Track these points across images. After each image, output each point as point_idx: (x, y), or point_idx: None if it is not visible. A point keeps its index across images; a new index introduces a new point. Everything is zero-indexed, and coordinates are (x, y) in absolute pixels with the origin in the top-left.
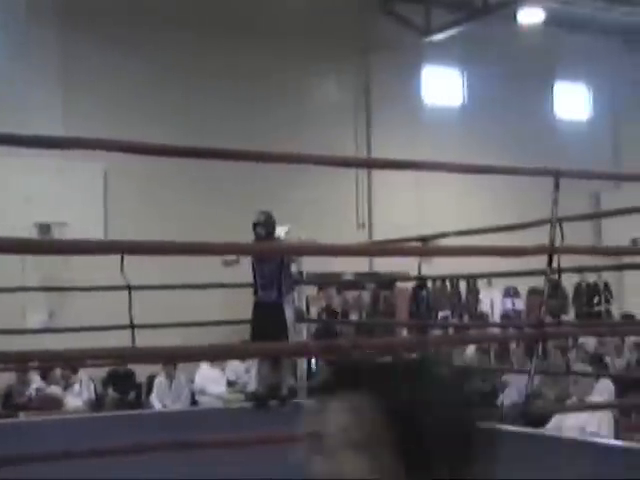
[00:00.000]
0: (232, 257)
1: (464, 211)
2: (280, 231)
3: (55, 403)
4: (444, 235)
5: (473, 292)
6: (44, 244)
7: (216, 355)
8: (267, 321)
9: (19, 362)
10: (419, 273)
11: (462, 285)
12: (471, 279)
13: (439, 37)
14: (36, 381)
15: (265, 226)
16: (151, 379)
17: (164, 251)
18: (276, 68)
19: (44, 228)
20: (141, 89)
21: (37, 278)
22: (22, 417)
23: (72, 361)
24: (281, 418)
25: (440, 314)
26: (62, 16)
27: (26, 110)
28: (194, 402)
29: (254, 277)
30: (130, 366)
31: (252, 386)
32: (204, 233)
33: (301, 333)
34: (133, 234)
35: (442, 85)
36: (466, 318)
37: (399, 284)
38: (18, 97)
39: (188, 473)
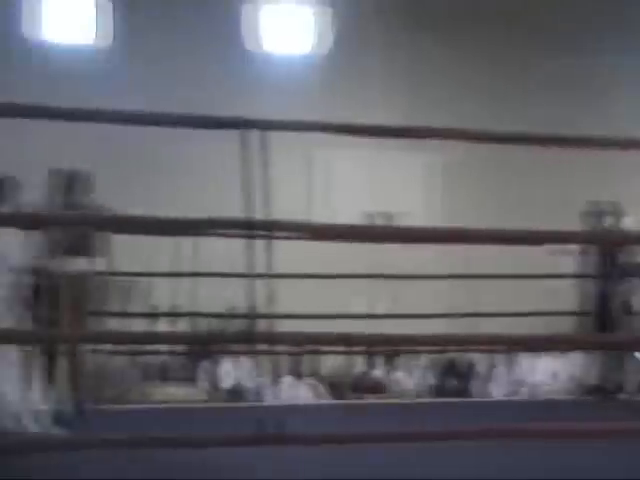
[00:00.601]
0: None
1: None
2: (627, 221)
3: (379, 388)
4: None
5: None
6: (390, 231)
7: (560, 345)
8: (602, 311)
9: (346, 344)
10: None
11: None
12: None
13: None
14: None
15: (599, 214)
16: (490, 368)
17: (502, 240)
18: None
19: (386, 217)
20: (477, 82)
21: (362, 266)
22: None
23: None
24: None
25: None
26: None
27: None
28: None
29: (599, 267)
30: (469, 355)
31: (587, 379)
32: (542, 222)
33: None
34: (471, 225)
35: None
36: None
37: None
38: (361, 90)
39: (535, 463)
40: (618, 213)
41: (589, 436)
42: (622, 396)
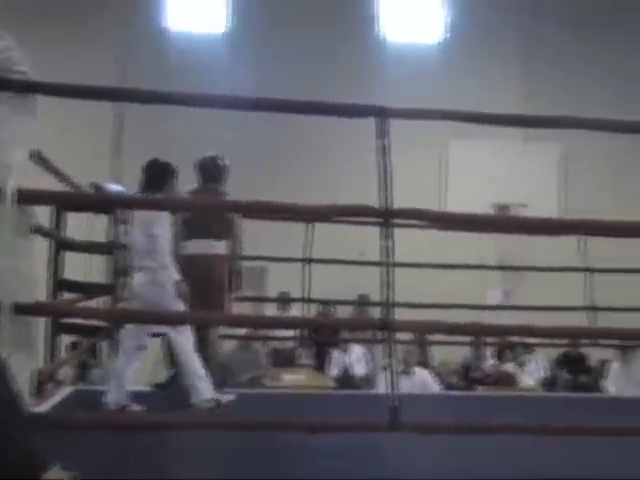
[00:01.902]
0: None
1: None
2: None
3: (510, 380)
4: None
5: None
6: (508, 221)
7: None
8: None
9: (477, 334)
10: None
11: None
12: None
13: None
14: (490, 358)
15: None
16: (602, 364)
17: (623, 231)
18: None
19: (502, 208)
20: (590, 70)
21: (495, 258)
22: (479, 391)
23: (526, 336)
24: None
25: None
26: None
27: (486, 90)
28: None
29: None
30: (584, 350)
31: None
32: None
33: None
34: (590, 215)
35: None
36: None
37: None
38: (479, 76)
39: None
40: None
41: None
42: None
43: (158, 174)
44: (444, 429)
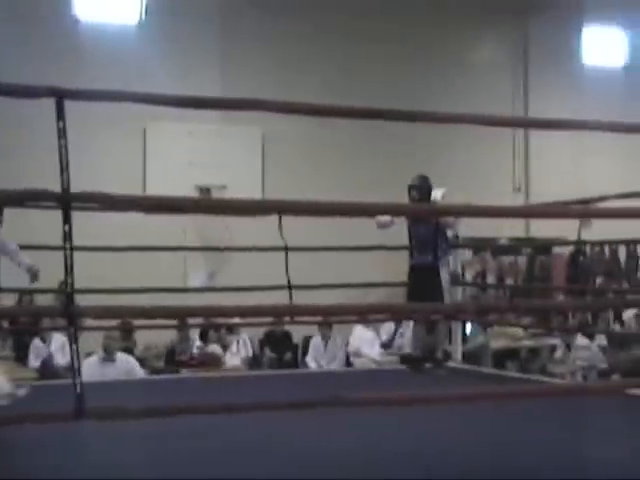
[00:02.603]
0: (386, 218)
1: (628, 180)
2: (436, 194)
3: (215, 361)
4: (604, 198)
5: (633, 258)
6: (204, 203)
7: (373, 314)
8: (423, 283)
9: (181, 317)
10: (578, 238)
11: (621, 251)
12: (631, 244)
13: None
14: (196, 340)
15: (419, 189)
16: (307, 340)
17: (320, 212)
18: (437, 31)
19: (204, 191)
20: (301, 51)
21: (198, 240)
22: (184, 373)
23: (231, 316)
24: (436, 381)
25: (597, 280)
26: None
27: (185, 73)
28: (349, 364)
29: (410, 240)
30: (287, 327)
31: (407, 349)
32: (361, 196)
33: (456, 296)
34: (291, 197)
35: (604, 46)
36: (625, 284)
37: (556, 249)
38: (170, 59)
39: (340, 432)
40: (426, 187)
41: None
42: (429, 366)
43: None
44: (130, 414)
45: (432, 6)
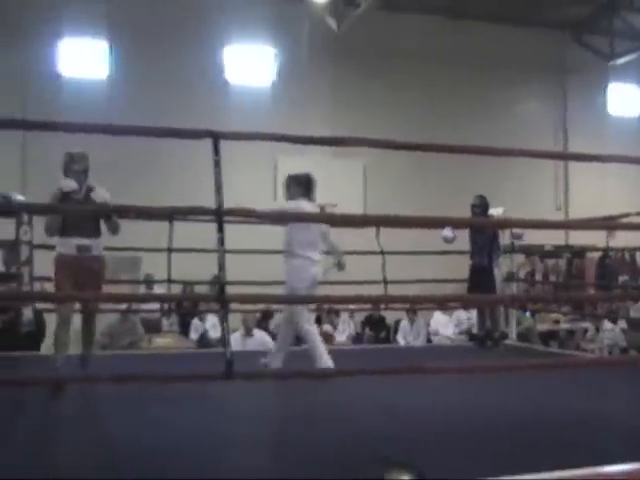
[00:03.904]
0: (450, 235)
1: None
2: (497, 211)
3: (327, 338)
4: (626, 215)
5: None
6: (320, 217)
7: (448, 303)
8: (481, 280)
9: (303, 303)
10: (606, 245)
11: (638, 256)
12: None
13: (621, 61)
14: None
15: (480, 207)
16: (397, 322)
17: (408, 224)
18: (493, 90)
19: (320, 208)
20: (394, 99)
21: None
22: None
23: (340, 303)
24: (495, 355)
25: (620, 278)
26: (335, 50)
27: (305, 119)
28: (429, 341)
29: (471, 245)
30: (382, 312)
31: (474, 330)
32: (437, 212)
33: (511, 290)
34: (386, 212)
35: (624, 100)
36: None
37: (588, 254)
38: (294, 110)
39: (423, 393)
40: (485, 205)
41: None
42: (489, 343)
43: None
44: (267, 376)
45: (491, 67)
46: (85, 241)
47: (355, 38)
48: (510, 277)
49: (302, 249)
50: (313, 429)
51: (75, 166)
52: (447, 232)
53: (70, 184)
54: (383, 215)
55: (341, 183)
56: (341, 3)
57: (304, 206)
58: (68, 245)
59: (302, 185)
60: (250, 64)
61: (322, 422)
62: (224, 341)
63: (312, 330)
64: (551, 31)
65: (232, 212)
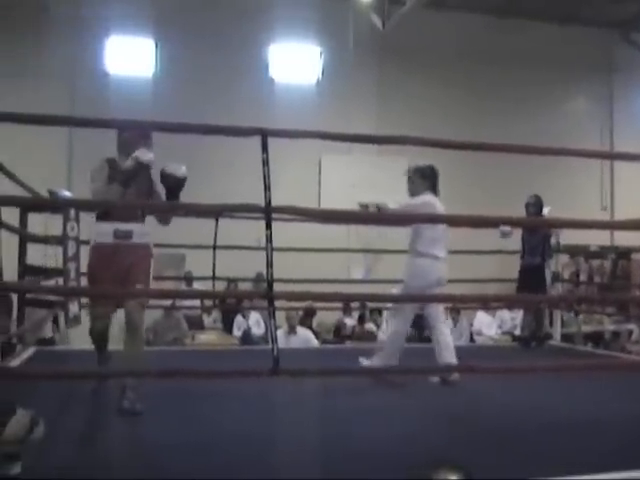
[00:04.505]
0: (508, 229)
1: None
2: (544, 210)
3: (370, 335)
4: None
5: None
6: (365, 216)
7: (493, 302)
8: (531, 280)
9: (347, 301)
10: None
11: None
12: None
13: None
14: (353, 319)
15: (535, 206)
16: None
17: (453, 222)
18: (539, 89)
19: (364, 207)
20: (436, 99)
21: (359, 244)
22: (348, 344)
23: (384, 301)
24: (540, 355)
25: None
26: (380, 49)
27: (349, 117)
28: (472, 340)
29: (523, 245)
30: None
31: (518, 330)
32: (484, 211)
33: (557, 291)
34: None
35: None
36: None
37: (634, 255)
38: (339, 108)
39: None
40: (540, 204)
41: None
42: (534, 344)
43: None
44: (311, 374)
45: (537, 65)
46: (125, 226)
47: (400, 36)
48: (555, 278)
49: (427, 246)
50: (359, 428)
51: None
52: (505, 227)
53: (147, 155)
54: (427, 214)
55: (386, 181)
56: (386, 1)
57: (432, 202)
58: (104, 231)
59: (427, 178)
60: (295, 62)
61: (369, 421)
62: (270, 338)
63: (447, 332)
64: (598, 30)
65: (281, 210)
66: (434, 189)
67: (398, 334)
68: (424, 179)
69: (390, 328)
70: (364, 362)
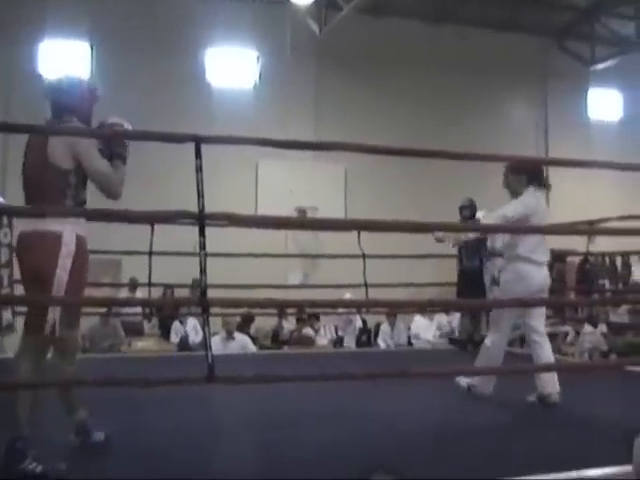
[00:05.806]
0: (441, 234)
1: (623, 205)
2: (478, 214)
3: (309, 341)
4: (606, 220)
5: (627, 266)
6: (302, 221)
7: (431, 307)
8: (471, 284)
9: (283, 307)
10: (586, 250)
11: (618, 260)
12: (625, 255)
13: (601, 66)
14: (291, 325)
15: (470, 208)
16: (378, 326)
17: (390, 228)
18: (475, 93)
19: (301, 212)
20: (373, 107)
21: (296, 248)
22: (285, 350)
23: (320, 307)
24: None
25: (600, 282)
26: (318, 54)
27: (286, 123)
28: (410, 344)
29: (459, 249)
30: (363, 316)
31: (454, 333)
32: (420, 216)
33: (494, 294)
34: (366, 217)
35: (604, 104)
36: (620, 286)
37: (569, 258)
38: (277, 113)
39: (403, 396)
40: (474, 207)
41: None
42: (470, 347)
43: None
44: (247, 381)
45: (474, 71)
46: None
47: (338, 41)
48: (493, 281)
49: (528, 251)
50: (295, 433)
51: None
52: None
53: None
54: (364, 220)
55: (322, 187)
56: (324, 7)
57: (541, 200)
58: (83, 222)
59: (523, 172)
60: (233, 66)
61: (304, 427)
62: (205, 345)
63: (548, 346)
64: (533, 37)
65: (214, 217)
66: (537, 182)
67: (496, 345)
68: (519, 174)
69: (488, 338)
70: (462, 382)
